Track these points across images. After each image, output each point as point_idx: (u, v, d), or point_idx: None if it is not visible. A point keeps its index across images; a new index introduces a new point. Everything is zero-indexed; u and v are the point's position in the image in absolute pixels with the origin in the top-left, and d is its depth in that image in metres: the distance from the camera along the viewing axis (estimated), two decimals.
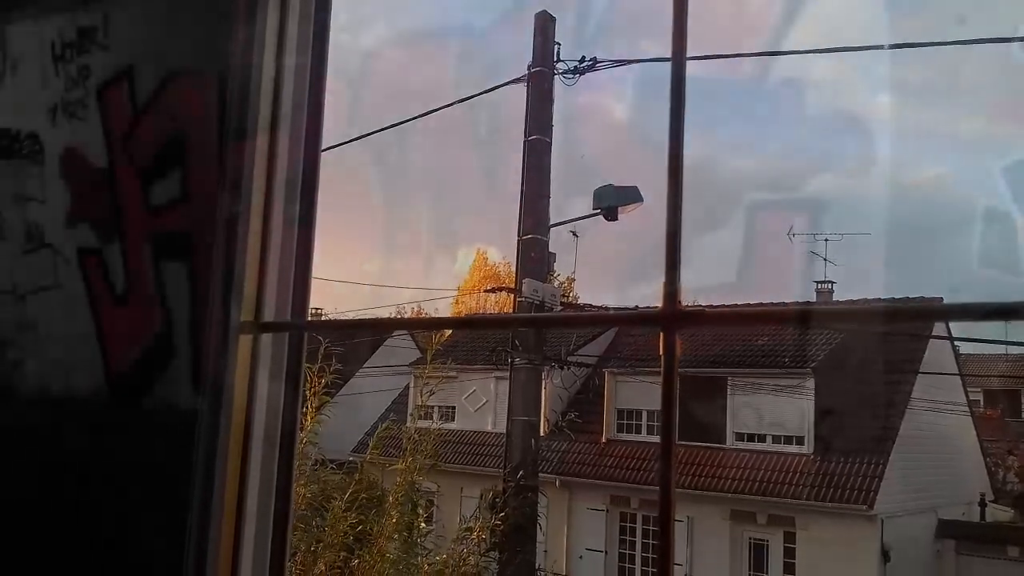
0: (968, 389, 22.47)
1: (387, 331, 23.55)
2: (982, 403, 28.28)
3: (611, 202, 11.71)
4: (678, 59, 1.38)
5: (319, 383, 7.12)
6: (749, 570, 17.80)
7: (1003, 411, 29.12)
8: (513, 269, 12.76)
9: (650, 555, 18.51)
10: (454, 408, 21.36)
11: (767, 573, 17.61)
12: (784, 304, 11.69)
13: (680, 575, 17.07)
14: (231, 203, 1.79)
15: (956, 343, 20.49)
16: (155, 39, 2.01)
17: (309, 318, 1.97)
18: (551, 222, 11.57)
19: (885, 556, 16.32)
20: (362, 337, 21.65)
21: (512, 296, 12.46)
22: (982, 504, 20.66)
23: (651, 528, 18.30)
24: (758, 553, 17.76)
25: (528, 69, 11.26)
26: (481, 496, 10.40)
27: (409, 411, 12.53)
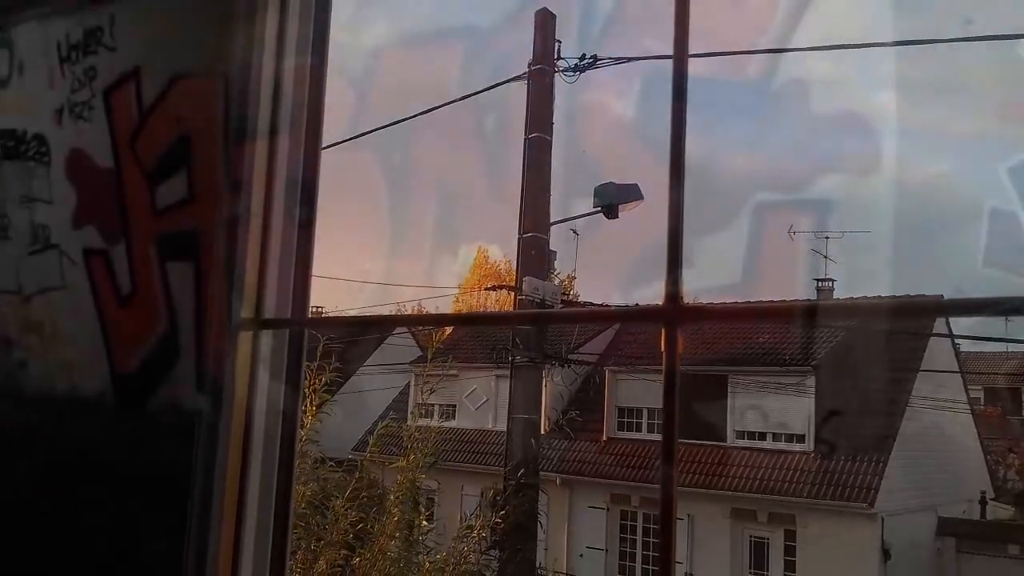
0: (969, 387, 22.47)
1: (387, 328, 23.55)
2: (983, 401, 28.27)
3: (611, 200, 11.71)
4: (680, 57, 1.37)
5: (319, 381, 7.14)
6: (750, 568, 17.80)
7: (1004, 409, 29.11)
8: (514, 267, 12.75)
9: (650, 553, 18.52)
10: (455, 406, 21.40)
11: (767, 571, 17.61)
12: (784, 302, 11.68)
13: (680, 573, 17.08)
14: (232, 202, 1.79)
15: (956, 341, 20.51)
16: (161, 40, 2.01)
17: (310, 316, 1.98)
18: (552, 220, 11.57)
19: (885, 554, 16.33)
20: (363, 336, 21.66)
21: (513, 294, 12.48)
22: (983, 502, 20.65)
23: (651, 526, 18.32)
24: (758, 551, 17.77)
25: (528, 66, 11.25)
26: (482, 494, 10.44)
27: (410, 409, 12.53)
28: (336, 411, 8.23)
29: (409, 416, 10.44)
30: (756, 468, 17.69)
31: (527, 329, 10.94)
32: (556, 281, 17.00)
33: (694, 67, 1.41)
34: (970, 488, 20.48)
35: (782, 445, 17.92)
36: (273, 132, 1.83)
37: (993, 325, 19.36)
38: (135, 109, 2.00)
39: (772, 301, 15.83)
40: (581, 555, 19.23)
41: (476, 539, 8.68)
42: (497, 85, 12.03)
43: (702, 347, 18.35)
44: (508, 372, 11.42)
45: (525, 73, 11.27)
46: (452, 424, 20.23)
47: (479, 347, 18.99)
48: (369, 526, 7.60)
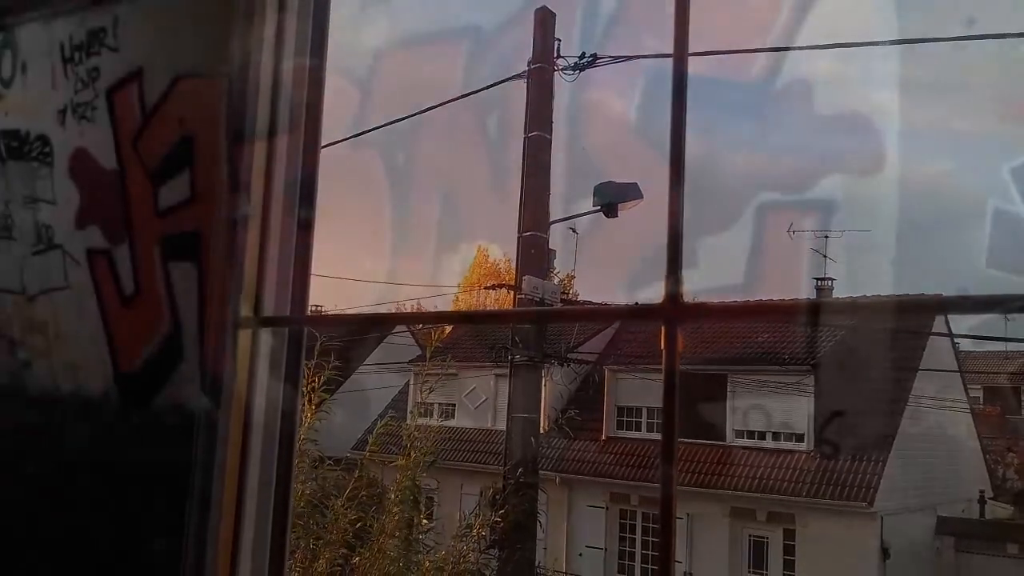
0: (968, 386, 22.49)
1: (386, 327, 23.52)
2: (982, 400, 28.29)
3: (611, 199, 11.71)
4: (680, 56, 1.37)
5: (318, 380, 7.14)
6: (749, 567, 17.81)
7: (1003, 408, 29.13)
8: (513, 266, 12.76)
9: (650, 552, 18.54)
10: (454, 405, 21.41)
11: (767, 570, 17.63)
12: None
13: (680, 572, 17.10)
14: (232, 201, 1.80)
15: (956, 340, 20.52)
16: (164, 41, 2.01)
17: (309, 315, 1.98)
18: (551, 219, 11.58)
19: (885, 553, 16.34)
20: (362, 335, 21.65)
21: (512, 293, 12.47)
22: (982, 501, 20.68)
23: (651, 525, 18.33)
24: (758, 550, 17.78)
25: (528, 65, 11.24)
26: (481, 493, 10.45)
27: (409, 408, 12.55)
28: (336, 410, 8.25)
29: (408, 415, 10.46)
30: (756, 467, 17.70)
31: (527, 328, 10.95)
32: (556, 280, 17.01)
33: (694, 66, 1.42)
34: (969, 487, 20.51)
35: (782, 444, 17.94)
36: (273, 132, 1.83)
37: (993, 325, 19.36)
38: (138, 110, 2.00)
39: (772, 300, 15.84)
40: (580, 554, 19.24)
41: (475, 538, 8.70)
42: (497, 83, 12.04)
43: (702, 346, 18.36)
44: (508, 371, 11.42)
45: (525, 71, 11.27)
46: (452, 423, 20.24)
47: (479, 346, 19.00)
48: (368, 525, 7.61)
